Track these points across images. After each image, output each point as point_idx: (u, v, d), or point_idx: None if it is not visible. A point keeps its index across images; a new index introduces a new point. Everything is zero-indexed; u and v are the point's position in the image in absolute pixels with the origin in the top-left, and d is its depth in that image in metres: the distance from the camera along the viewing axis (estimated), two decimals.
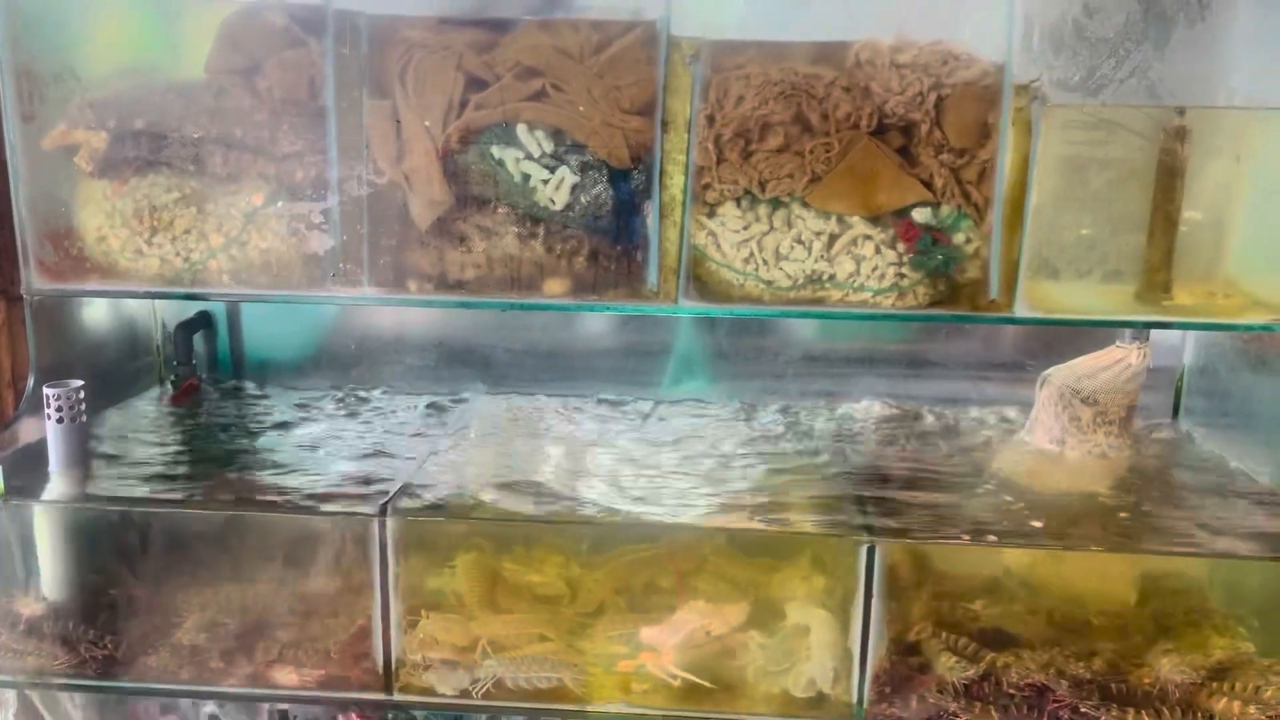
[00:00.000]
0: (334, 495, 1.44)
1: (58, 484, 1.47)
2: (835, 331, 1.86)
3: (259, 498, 1.44)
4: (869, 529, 1.35)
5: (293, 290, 1.45)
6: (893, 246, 1.36)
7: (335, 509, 1.40)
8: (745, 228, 1.37)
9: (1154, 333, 1.65)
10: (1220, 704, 1.30)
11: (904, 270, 1.37)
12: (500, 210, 1.39)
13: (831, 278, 1.38)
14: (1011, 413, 1.79)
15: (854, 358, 1.86)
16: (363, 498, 1.42)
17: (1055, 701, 1.31)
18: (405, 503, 1.41)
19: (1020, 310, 1.38)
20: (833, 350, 1.86)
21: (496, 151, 1.37)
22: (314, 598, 1.43)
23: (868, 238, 1.36)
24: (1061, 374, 1.60)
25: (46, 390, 1.46)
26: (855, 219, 1.36)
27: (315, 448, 1.63)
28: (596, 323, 1.88)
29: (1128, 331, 1.62)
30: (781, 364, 1.87)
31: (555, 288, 1.42)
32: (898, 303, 1.39)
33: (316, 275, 1.43)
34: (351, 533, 1.39)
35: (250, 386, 1.90)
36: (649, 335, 1.88)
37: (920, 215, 1.35)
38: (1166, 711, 1.30)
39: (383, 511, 1.38)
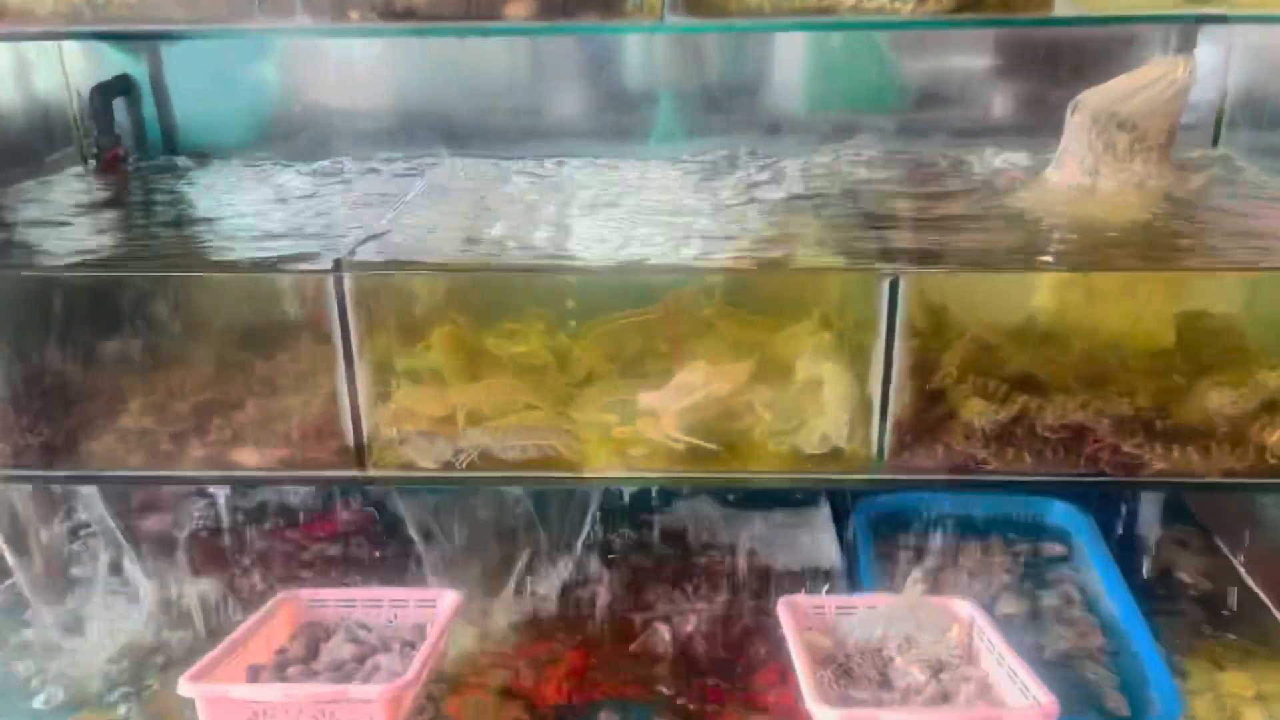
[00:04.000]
0: (286, 258, 1.27)
1: None
2: (836, 72, 1.67)
3: (205, 260, 1.28)
4: (891, 259, 1.20)
5: (214, 24, 1.26)
6: None
7: (287, 268, 1.24)
8: None
9: None
10: (1274, 437, 1.20)
11: None
12: None
13: None
14: (1031, 157, 1.62)
15: (858, 101, 1.67)
16: (316, 257, 1.25)
17: (1095, 442, 1.20)
18: (364, 258, 1.25)
19: (1060, 9, 1.20)
20: (833, 92, 1.68)
21: None
22: (271, 369, 1.30)
23: None
24: (1096, 97, 1.42)
25: None
26: None
27: (263, 215, 1.45)
28: (568, 70, 1.68)
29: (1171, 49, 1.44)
30: (778, 114, 1.69)
31: (518, 10, 1.24)
32: (918, 9, 1.20)
33: (240, 3, 1.23)
34: (308, 293, 1.23)
35: (183, 159, 1.71)
36: (628, 83, 1.68)
37: None
38: (1214, 446, 1.20)
39: (337, 266, 1.21)
